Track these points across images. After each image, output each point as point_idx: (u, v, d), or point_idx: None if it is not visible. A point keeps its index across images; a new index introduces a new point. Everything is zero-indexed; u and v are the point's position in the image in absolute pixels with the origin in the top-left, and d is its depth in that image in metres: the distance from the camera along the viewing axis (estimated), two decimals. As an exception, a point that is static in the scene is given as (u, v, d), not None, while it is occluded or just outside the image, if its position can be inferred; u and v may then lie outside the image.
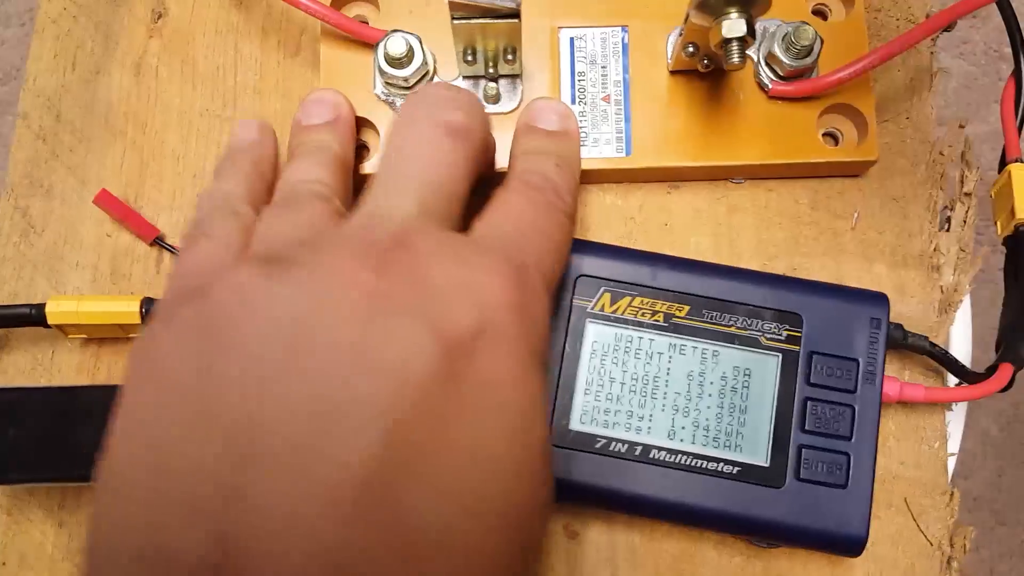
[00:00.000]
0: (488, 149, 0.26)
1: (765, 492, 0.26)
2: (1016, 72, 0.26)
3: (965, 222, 0.31)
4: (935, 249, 0.30)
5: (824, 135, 0.30)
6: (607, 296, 0.27)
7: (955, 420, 0.29)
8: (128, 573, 0.18)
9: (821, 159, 0.29)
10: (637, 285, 0.27)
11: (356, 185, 0.29)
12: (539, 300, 0.22)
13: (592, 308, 0.27)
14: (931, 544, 0.28)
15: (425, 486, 0.18)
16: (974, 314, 0.30)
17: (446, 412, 0.19)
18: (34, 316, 0.28)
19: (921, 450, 0.29)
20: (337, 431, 0.18)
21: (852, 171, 0.30)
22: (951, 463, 0.29)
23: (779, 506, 0.25)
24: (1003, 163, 0.28)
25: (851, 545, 0.25)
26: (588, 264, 0.27)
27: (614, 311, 0.27)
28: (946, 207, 0.31)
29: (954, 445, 0.29)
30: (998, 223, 0.28)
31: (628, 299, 0.27)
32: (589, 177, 0.30)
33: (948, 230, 0.31)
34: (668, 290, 0.27)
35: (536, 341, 0.21)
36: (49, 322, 0.28)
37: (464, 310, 0.20)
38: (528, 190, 0.24)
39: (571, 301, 0.27)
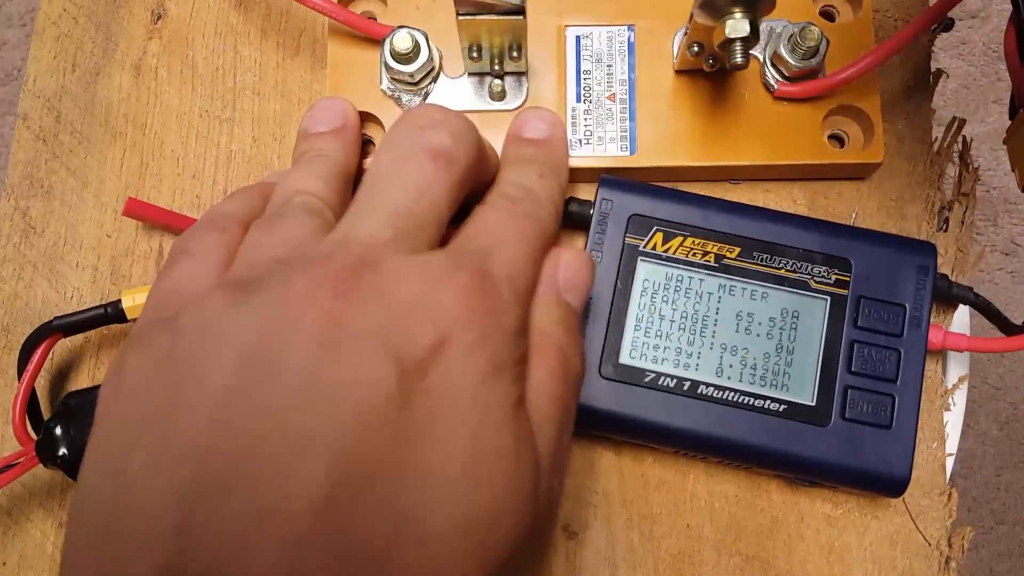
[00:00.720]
0: (480, 167, 0.25)
1: (810, 430, 0.26)
2: (1016, 16, 0.25)
3: (963, 222, 0.31)
4: (933, 249, 0.30)
5: (829, 137, 0.30)
6: (659, 235, 0.27)
7: (953, 420, 0.29)
8: None
9: (825, 161, 0.29)
10: (689, 226, 0.28)
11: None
12: (505, 309, 0.21)
13: (644, 247, 0.27)
14: (929, 544, 0.28)
15: (375, 511, 0.18)
16: (972, 314, 0.30)
17: (400, 435, 0.18)
18: (111, 314, 0.28)
19: (919, 450, 0.29)
20: (286, 461, 0.18)
21: (856, 173, 0.30)
22: (949, 463, 0.29)
23: (824, 444, 0.26)
24: (1013, 110, 0.28)
25: (893, 485, 0.26)
26: (641, 204, 0.28)
27: (666, 250, 0.27)
28: (944, 207, 0.31)
29: (952, 445, 0.29)
30: (1016, 170, 0.28)
31: (680, 239, 0.27)
32: (593, 176, 0.30)
33: (946, 230, 0.31)
34: (719, 231, 0.27)
35: (501, 351, 0.20)
36: (128, 317, 0.28)
37: (421, 328, 0.19)
38: (506, 202, 0.24)
39: (623, 239, 0.27)
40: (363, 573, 0.18)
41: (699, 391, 0.26)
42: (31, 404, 0.28)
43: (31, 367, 0.27)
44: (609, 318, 0.27)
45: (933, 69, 0.32)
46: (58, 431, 0.26)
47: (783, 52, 0.29)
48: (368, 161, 0.29)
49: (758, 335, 0.27)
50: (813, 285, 0.27)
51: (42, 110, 0.32)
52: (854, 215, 0.30)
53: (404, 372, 0.19)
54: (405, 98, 0.30)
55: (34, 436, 0.27)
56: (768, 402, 0.26)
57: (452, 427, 0.19)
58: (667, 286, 0.27)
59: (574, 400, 0.23)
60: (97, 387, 0.27)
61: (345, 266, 0.20)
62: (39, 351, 0.27)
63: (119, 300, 0.28)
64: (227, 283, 0.21)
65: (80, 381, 0.30)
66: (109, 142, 0.32)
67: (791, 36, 0.28)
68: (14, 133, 0.32)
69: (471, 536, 0.19)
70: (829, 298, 0.27)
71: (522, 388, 0.21)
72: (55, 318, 0.28)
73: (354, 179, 0.28)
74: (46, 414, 0.28)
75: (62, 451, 0.26)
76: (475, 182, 0.25)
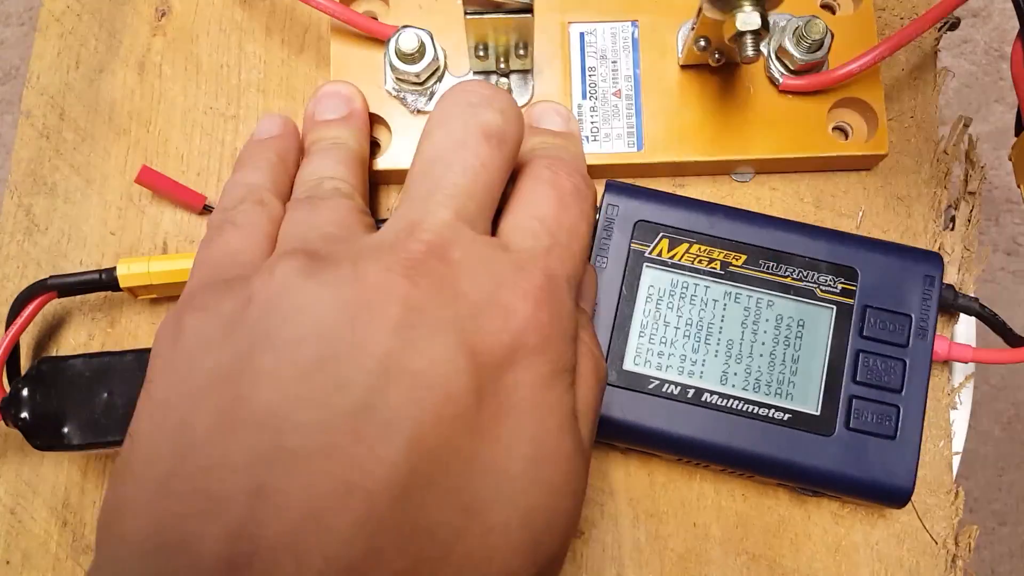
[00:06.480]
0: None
1: (814, 439, 0.26)
2: (1022, 32, 0.25)
3: (969, 221, 0.31)
4: (940, 248, 0.30)
5: (834, 129, 0.30)
6: (665, 242, 0.27)
7: (959, 419, 0.29)
8: (141, 559, 0.18)
9: (831, 153, 0.29)
10: (695, 232, 0.27)
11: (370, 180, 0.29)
12: (566, 311, 0.22)
13: (649, 253, 0.27)
14: (936, 543, 0.28)
15: (445, 499, 0.18)
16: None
17: (471, 428, 0.19)
18: (105, 280, 0.28)
19: (926, 448, 0.29)
20: (364, 437, 0.18)
21: (862, 165, 0.30)
22: (956, 461, 0.29)
23: (828, 454, 0.26)
24: (1019, 126, 0.28)
25: (897, 496, 0.26)
26: (647, 210, 0.28)
27: (671, 257, 0.27)
28: (950, 206, 0.31)
29: (959, 443, 0.29)
30: (1022, 186, 0.28)
31: (686, 245, 0.27)
32: (600, 172, 0.30)
33: (952, 229, 0.31)
34: (726, 239, 0.27)
35: (562, 356, 0.21)
36: (121, 285, 0.28)
37: (495, 328, 0.20)
38: (553, 176, 0.24)
39: (629, 245, 0.27)
40: (428, 558, 0.18)
41: (703, 399, 0.26)
42: (12, 360, 0.27)
43: (20, 321, 0.27)
44: (613, 324, 0.27)
45: (937, 68, 0.32)
46: (25, 393, 0.26)
47: (788, 46, 0.29)
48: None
49: (763, 343, 0.27)
50: (819, 294, 0.27)
51: (46, 107, 0.32)
52: (860, 213, 0.30)
53: (479, 367, 0.19)
54: (410, 98, 0.30)
55: (8, 388, 0.27)
56: (772, 411, 0.26)
57: (517, 427, 0.20)
58: (672, 293, 0.27)
59: (601, 403, 0.23)
60: (72, 357, 0.27)
61: (414, 253, 0.20)
62: (30, 307, 0.27)
63: (114, 268, 0.28)
64: (293, 252, 0.21)
65: (66, 348, 0.30)
66: (113, 139, 0.32)
67: (796, 30, 0.28)
68: (17, 130, 0.32)
69: (529, 533, 0.19)
70: (835, 307, 0.27)
71: (575, 393, 0.21)
72: (50, 276, 0.28)
73: (367, 165, 0.28)
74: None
75: (24, 414, 0.26)
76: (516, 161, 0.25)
